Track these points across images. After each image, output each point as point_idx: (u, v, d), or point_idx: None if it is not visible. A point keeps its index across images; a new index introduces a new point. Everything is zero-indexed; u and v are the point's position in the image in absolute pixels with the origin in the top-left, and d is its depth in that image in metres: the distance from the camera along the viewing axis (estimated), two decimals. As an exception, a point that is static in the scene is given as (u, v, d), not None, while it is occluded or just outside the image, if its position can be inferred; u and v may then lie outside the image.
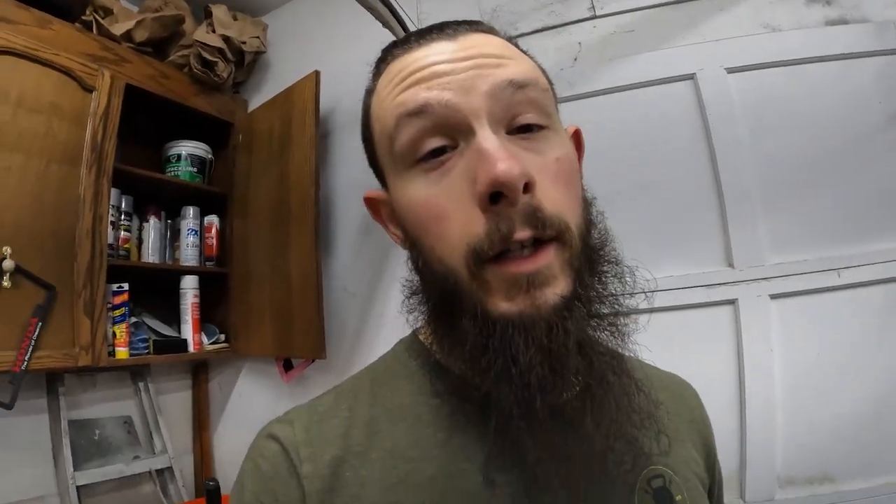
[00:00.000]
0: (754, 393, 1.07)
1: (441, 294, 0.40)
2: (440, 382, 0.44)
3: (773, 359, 1.07)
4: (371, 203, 0.49)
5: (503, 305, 0.37)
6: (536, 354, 0.35)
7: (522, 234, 0.36)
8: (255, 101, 1.70)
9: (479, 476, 0.39)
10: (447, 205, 0.38)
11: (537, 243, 0.37)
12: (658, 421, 0.42)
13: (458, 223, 0.38)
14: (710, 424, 0.54)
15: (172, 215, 1.59)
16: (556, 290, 0.37)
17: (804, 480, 1.09)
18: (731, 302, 1.09)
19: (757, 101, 1.13)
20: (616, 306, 0.41)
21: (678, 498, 0.43)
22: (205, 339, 1.53)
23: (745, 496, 1.08)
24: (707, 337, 1.10)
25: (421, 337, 0.47)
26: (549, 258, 0.37)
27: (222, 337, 1.57)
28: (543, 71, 0.44)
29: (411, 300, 0.46)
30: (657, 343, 1.16)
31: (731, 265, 1.11)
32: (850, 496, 1.07)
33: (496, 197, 0.36)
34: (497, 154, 0.36)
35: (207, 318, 1.56)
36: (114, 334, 1.31)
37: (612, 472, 0.40)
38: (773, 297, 1.08)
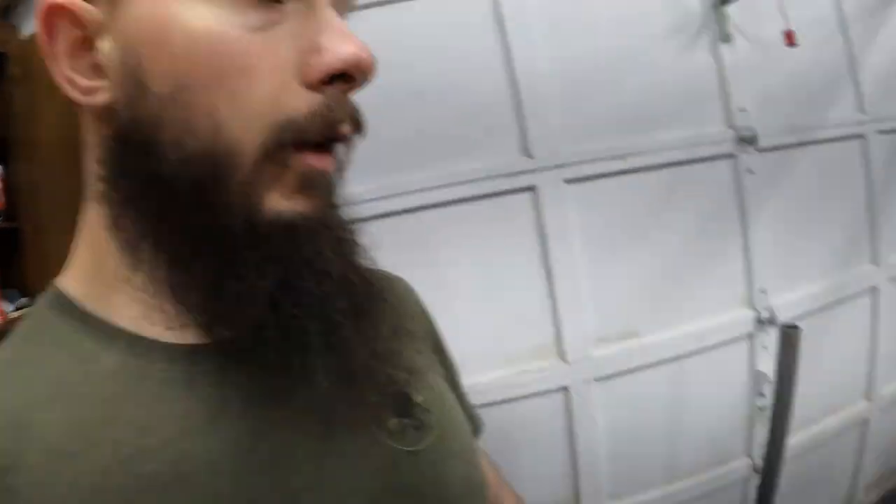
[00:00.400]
0: (559, 265, 1.22)
1: (189, 180, 0.29)
2: (98, 341, 0.32)
3: (573, 236, 1.23)
4: (53, 15, 0.30)
5: (284, 203, 0.31)
6: (320, 263, 0.31)
7: (346, 128, 0.32)
8: (30, 27, 1.46)
9: (168, 452, 0.30)
10: (262, 59, 0.29)
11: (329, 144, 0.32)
12: (414, 338, 0.41)
13: (271, 87, 0.29)
14: (430, 315, 0.52)
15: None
16: (331, 196, 0.34)
17: (615, 337, 1.29)
18: (531, 188, 1.21)
19: (553, 7, 1.22)
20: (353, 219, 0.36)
21: (419, 399, 0.40)
22: (8, 307, 1.36)
23: (565, 358, 1.25)
24: (511, 221, 1.22)
25: (70, 286, 0.35)
26: (333, 162, 0.33)
27: (24, 301, 1.40)
28: None
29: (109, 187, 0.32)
30: (469, 229, 1.24)
31: (529, 156, 1.22)
32: (654, 346, 1.31)
33: (333, 79, 0.30)
34: (351, 33, 0.31)
35: (6, 282, 1.38)
36: None
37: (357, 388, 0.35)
38: (568, 181, 1.21)
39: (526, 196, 1.21)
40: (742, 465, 1.88)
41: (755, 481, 1.73)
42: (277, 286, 0.30)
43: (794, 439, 1.36)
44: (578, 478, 1.31)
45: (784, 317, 1.63)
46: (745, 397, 1.91)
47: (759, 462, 1.77)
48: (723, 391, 1.76)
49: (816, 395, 1.48)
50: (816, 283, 1.52)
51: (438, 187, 1.17)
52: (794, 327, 1.12)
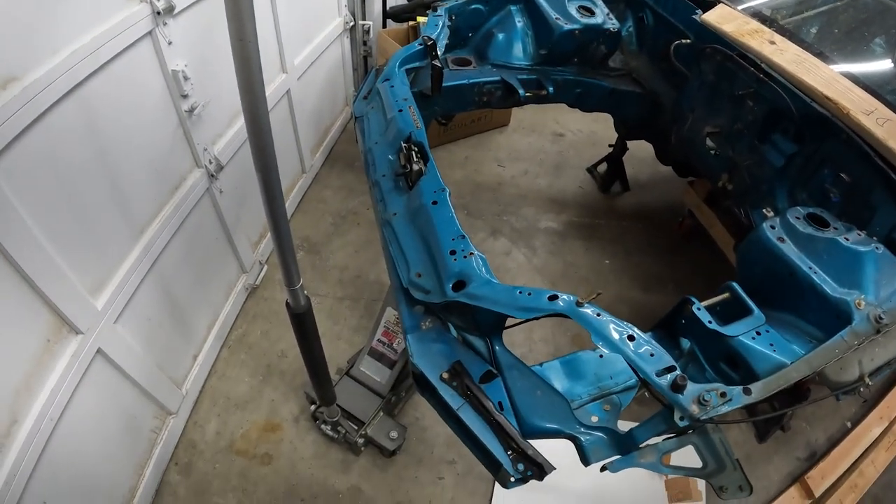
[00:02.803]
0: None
1: None
2: None
3: None
4: None
5: None
6: None
7: None
8: None
9: None
10: None
11: None
12: None
13: None
14: None
15: None
16: None
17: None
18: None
19: None
20: None
21: None
22: None
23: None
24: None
25: None
26: None
27: None
28: None
29: None
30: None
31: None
32: (40, 85, 1.31)
33: None
34: None
35: None
36: None
37: None
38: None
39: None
40: (199, 177, 2.13)
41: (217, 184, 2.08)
42: None
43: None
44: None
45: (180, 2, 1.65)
46: (169, 106, 1.96)
47: (212, 165, 2.15)
48: (143, 110, 1.79)
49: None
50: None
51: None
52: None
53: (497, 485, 2.22)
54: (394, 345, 2.32)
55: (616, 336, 1.19)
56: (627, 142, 3.35)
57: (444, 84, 2.20)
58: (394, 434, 2.22)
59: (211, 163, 2.22)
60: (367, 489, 2.21)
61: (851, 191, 1.71)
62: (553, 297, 1.23)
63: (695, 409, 1.14)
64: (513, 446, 1.21)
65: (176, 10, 1.80)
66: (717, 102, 2.19)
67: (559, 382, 1.40)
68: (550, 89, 2.46)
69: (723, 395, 1.16)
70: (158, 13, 1.72)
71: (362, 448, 2.23)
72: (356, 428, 2.20)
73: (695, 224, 3.00)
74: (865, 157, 1.62)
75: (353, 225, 3.27)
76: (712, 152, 2.22)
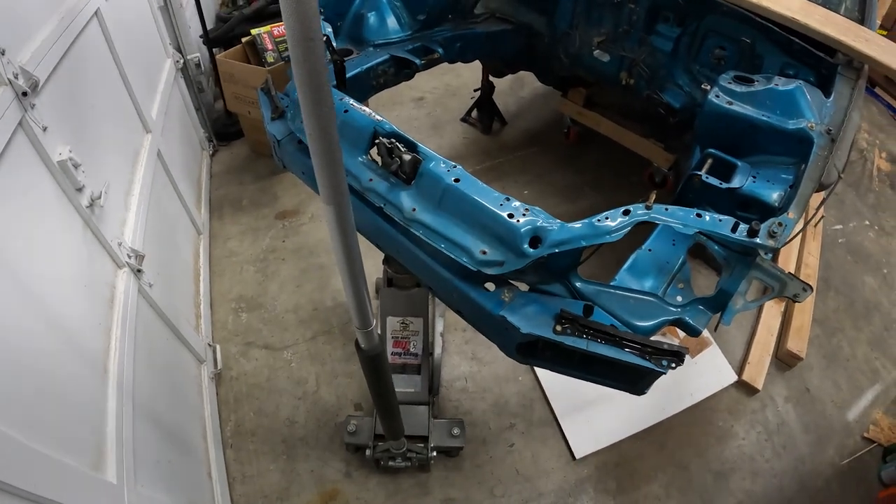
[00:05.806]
0: None
1: None
2: None
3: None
4: None
5: None
6: None
7: None
8: None
9: None
10: None
11: None
12: None
13: None
14: None
15: None
16: None
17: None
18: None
19: None
20: None
21: None
22: None
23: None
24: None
25: None
26: None
27: None
28: None
29: None
30: None
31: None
32: None
33: None
34: None
35: None
36: None
37: None
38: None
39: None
40: (126, 279, 1.90)
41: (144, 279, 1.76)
42: None
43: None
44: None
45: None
46: (68, 209, 1.68)
47: (133, 260, 1.76)
48: (43, 227, 1.46)
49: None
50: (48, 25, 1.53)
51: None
52: None
53: (561, 420, 2.33)
54: (410, 350, 2.23)
55: (691, 219, 1.34)
56: (492, 80, 3.52)
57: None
58: (455, 431, 2.17)
59: (131, 257, 1.82)
60: (457, 495, 2.14)
61: (739, 50, 2.06)
62: (627, 212, 1.33)
63: (772, 242, 1.34)
64: (648, 350, 1.31)
65: (41, 84, 1.41)
66: (597, 13, 2.44)
67: (638, 285, 1.54)
68: (440, 51, 2.47)
69: (780, 224, 1.37)
70: (24, 94, 1.34)
71: (432, 461, 2.15)
72: (423, 445, 2.10)
73: (581, 129, 3.34)
74: (744, 20, 1.96)
75: (278, 263, 2.96)
76: (604, 59, 2.47)
